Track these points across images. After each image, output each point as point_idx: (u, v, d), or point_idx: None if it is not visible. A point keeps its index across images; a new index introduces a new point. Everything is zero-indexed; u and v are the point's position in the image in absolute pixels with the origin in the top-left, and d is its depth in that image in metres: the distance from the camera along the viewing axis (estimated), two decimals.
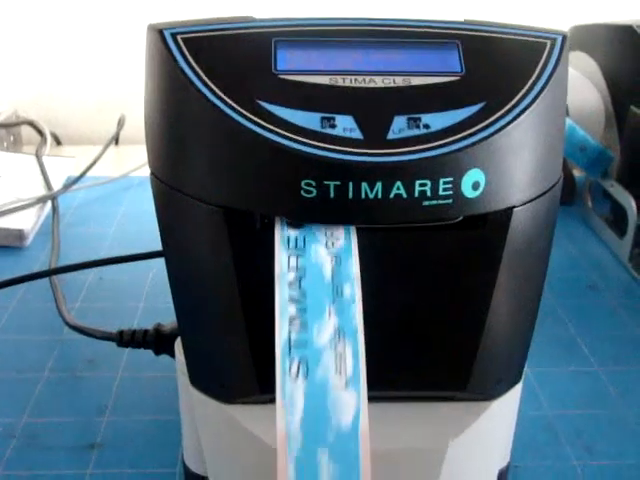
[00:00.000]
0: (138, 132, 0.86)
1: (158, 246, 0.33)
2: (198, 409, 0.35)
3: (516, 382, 0.35)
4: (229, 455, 0.35)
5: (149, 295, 0.56)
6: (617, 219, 0.64)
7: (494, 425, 0.35)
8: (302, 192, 0.28)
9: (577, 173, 0.73)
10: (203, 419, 0.35)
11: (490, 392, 0.34)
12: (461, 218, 0.29)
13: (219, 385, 0.34)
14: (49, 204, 0.68)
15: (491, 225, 0.30)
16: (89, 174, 0.74)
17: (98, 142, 0.84)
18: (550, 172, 0.31)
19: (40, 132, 0.84)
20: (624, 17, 0.67)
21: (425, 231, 0.30)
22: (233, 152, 0.28)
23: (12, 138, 0.84)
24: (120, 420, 0.44)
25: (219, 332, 0.32)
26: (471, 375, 0.33)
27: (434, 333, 0.32)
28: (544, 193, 0.31)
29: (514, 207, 0.30)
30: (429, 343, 0.32)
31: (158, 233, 0.49)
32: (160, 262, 0.60)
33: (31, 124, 0.85)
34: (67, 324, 0.48)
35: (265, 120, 0.28)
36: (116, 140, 0.85)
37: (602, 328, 0.53)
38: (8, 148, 0.80)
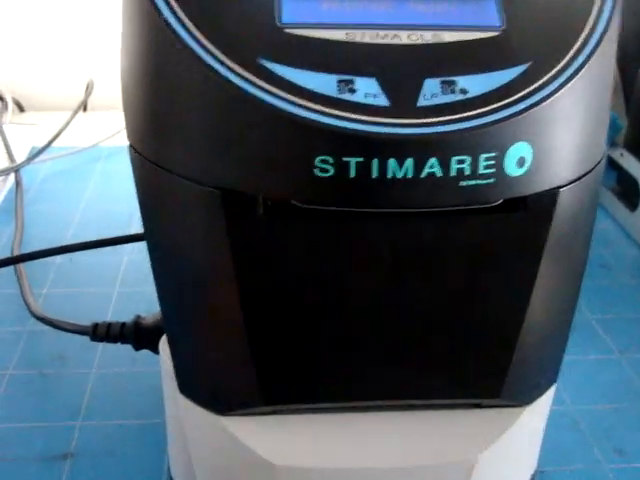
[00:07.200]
0: (108, 98, 0.81)
1: (133, 225, 0.28)
2: (188, 420, 0.30)
3: (551, 385, 0.31)
4: (223, 473, 0.30)
5: (125, 279, 0.51)
6: (625, 191, 0.60)
7: (526, 433, 0.31)
8: (316, 171, 0.23)
9: None
10: (193, 431, 0.31)
11: (524, 398, 0.30)
12: (501, 201, 0.25)
13: (213, 395, 0.29)
14: (11, 177, 0.62)
15: (534, 208, 0.26)
16: (55, 144, 0.68)
17: (64, 108, 0.77)
18: (597, 146, 0.27)
19: (0, 97, 0.78)
20: None
21: (458, 215, 0.25)
22: (232, 122, 0.24)
23: None
24: (96, 425, 0.39)
25: (214, 334, 0.28)
26: (506, 380, 0.28)
27: (467, 333, 0.28)
28: (591, 170, 0.27)
29: (560, 187, 0.26)
30: (461, 344, 0.28)
31: (132, 210, 0.44)
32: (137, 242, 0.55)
33: None
34: (34, 315, 0.42)
35: (270, 83, 0.24)
36: (84, 107, 0.79)
37: (618, 310, 0.49)
38: None
